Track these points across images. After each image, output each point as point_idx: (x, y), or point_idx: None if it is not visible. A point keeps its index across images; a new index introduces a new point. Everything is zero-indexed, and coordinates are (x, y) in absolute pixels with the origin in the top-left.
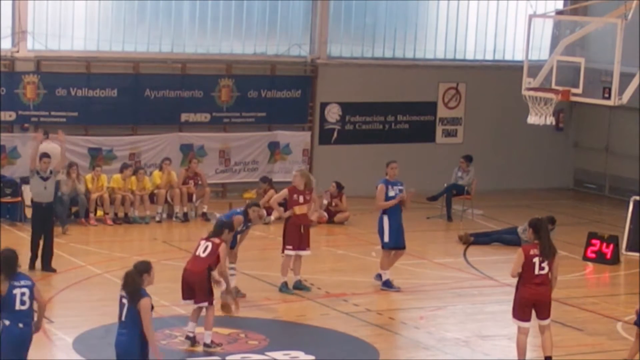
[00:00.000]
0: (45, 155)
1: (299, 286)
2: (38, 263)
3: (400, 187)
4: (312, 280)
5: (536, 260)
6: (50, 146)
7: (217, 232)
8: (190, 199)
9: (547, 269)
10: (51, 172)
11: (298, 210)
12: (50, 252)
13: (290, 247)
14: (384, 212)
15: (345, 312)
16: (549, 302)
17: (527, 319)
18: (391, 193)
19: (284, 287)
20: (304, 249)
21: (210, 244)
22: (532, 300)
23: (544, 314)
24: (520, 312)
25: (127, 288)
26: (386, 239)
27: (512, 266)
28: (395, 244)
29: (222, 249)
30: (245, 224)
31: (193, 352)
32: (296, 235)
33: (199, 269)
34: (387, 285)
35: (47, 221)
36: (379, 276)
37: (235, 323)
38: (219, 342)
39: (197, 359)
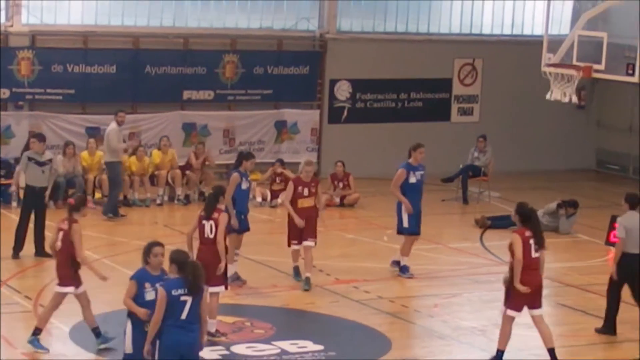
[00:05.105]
0: (37, 136)
1: (306, 285)
2: (25, 250)
3: (421, 172)
4: (320, 266)
5: (532, 242)
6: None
7: (214, 205)
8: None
9: (538, 254)
10: (50, 160)
11: (300, 203)
12: (42, 237)
13: (295, 241)
14: (403, 196)
15: (356, 300)
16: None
17: (522, 309)
18: (412, 179)
19: (295, 274)
20: (306, 240)
21: (212, 222)
22: (534, 286)
23: (538, 301)
24: (520, 301)
25: (195, 282)
26: (405, 224)
27: (517, 255)
28: (415, 230)
29: (222, 217)
30: (246, 178)
31: None
32: (298, 231)
33: (212, 251)
34: (403, 270)
35: (38, 205)
36: (396, 263)
37: (240, 311)
38: (223, 332)
39: None
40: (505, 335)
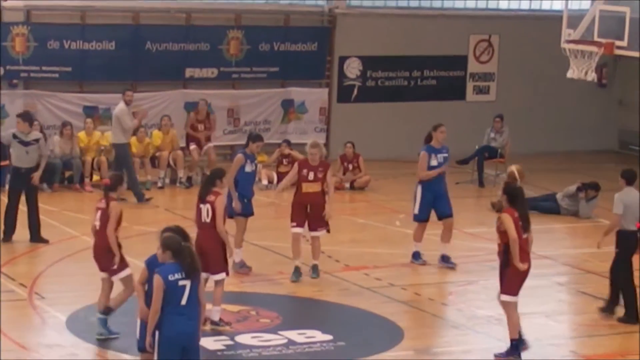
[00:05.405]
0: (22, 115)
1: (313, 274)
2: (19, 235)
3: (445, 155)
4: (329, 252)
5: (520, 224)
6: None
7: (208, 188)
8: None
9: (525, 235)
10: (36, 140)
11: (305, 188)
12: (37, 222)
13: (294, 224)
14: (420, 181)
15: (367, 288)
16: None
17: (518, 292)
18: (433, 162)
19: (294, 275)
20: (314, 230)
21: (209, 205)
22: (529, 268)
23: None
24: (515, 284)
25: (194, 265)
26: (416, 210)
27: (511, 234)
28: (425, 217)
29: (218, 201)
30: (251, 161)
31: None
32: (301, 214)
33: (210, 236)
34: (415, 257)
35: (27, 188)
36: (445, 258)
37: (245, 299)
38: (227, 321)
39: (204, 338)
40: (513, 323)
